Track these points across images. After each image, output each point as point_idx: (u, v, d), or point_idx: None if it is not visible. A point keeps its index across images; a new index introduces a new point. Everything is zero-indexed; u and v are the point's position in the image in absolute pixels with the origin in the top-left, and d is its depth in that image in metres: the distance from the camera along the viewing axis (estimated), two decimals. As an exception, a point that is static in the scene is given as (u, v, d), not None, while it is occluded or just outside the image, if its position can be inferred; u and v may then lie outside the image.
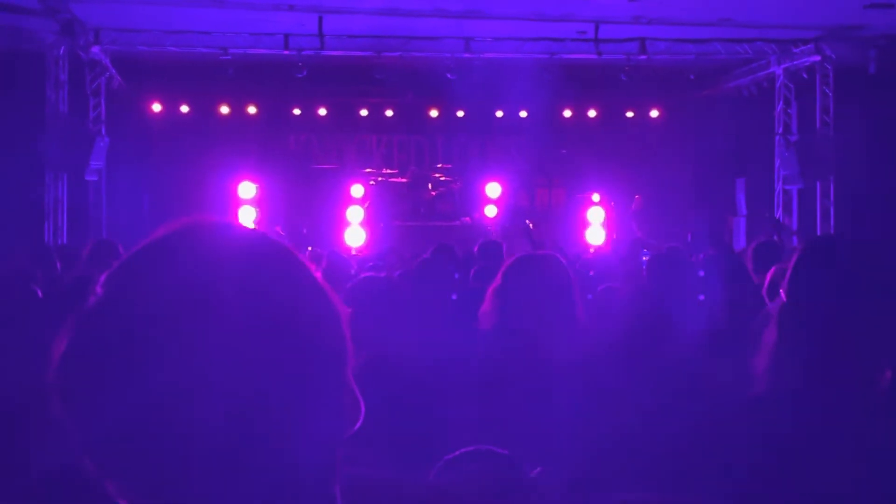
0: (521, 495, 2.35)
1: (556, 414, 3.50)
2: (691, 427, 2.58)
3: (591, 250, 19.88)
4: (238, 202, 21.97)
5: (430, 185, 23.33)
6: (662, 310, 4.63)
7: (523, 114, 24.91)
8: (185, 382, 1.33)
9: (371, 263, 11.22)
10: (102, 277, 1.44)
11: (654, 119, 25.21)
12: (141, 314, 1.36)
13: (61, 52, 18.71)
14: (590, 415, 3.49)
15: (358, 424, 1.48)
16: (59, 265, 9.55)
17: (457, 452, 2.26)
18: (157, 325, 1.35)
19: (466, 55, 19.48)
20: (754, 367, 2.55)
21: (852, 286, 2.50)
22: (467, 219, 22.43)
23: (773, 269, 5.47)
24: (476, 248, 8.70)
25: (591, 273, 9.81)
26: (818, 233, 19.51)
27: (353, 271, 8.87)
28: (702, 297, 5.80)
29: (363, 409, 1.49)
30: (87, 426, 1.35)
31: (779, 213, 20.85)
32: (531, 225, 21.57)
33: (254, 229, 1.54)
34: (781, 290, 2.58)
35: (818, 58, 19.47)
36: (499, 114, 24.90)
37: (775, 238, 16.10)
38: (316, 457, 1.41)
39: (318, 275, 1.51)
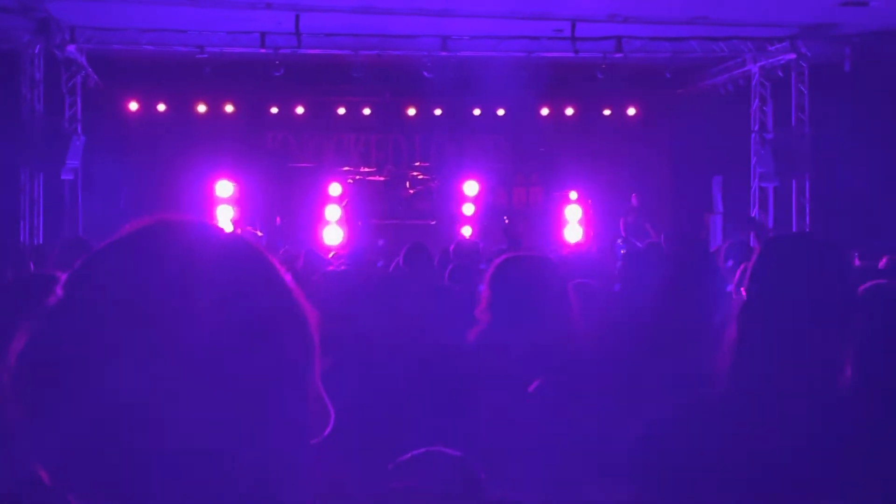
0: (473, 497, 2.34)
1: (536, 415, 3.50)
2: (654, 425, 2.58)
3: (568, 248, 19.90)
4: (215, 201, 21.91)
5: (407, 184, 23.31)
6: (632, 307, 4.65)
7: (501, 112, 24.92)
8: (146, 387, 1.29)
9: (344, 262, 11.19)
10: (63, 277, 1.39)
11: (631, 117, 25.23)
12: (100, 316, 1.32)
13: (37, 50, 18.62)
14: (566, 415, 3.49)
15: (328, 430, 1.45)
16: (31, 265, 9.50)
17: (408, 455, 2.25)
18: (117, 327, 1.31)
19: (443, 53, 19.47)
20: (715, 365, 2.56)
21: (811, 285, 2.52)
22: (433, 221, 22.37)
23: (742, 266, 5.50)
24: (451, 248, 8.66)
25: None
26: (794, 230, 19.59)
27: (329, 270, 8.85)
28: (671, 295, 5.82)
29: (332, 414, 1.45)
30: (42, 432, 1.32)
31: (755, 211, 20.93)
32: (506, 221, 21.63)
33: (222, 228, 1.51)
34: (742, 289, 2.59)
35: (793, 56, 19.55)
36: (476, 112, 24.89)
37: (752, 236, 16.18)
38: (282, 463, 1.38)
39: (288, 277, 1.48)
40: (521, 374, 3.67)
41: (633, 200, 22.03)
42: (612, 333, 4.53)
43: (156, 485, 1.30)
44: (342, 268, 7.54)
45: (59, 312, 1.36)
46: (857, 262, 9.56)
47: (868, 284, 3.23)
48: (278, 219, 21.44)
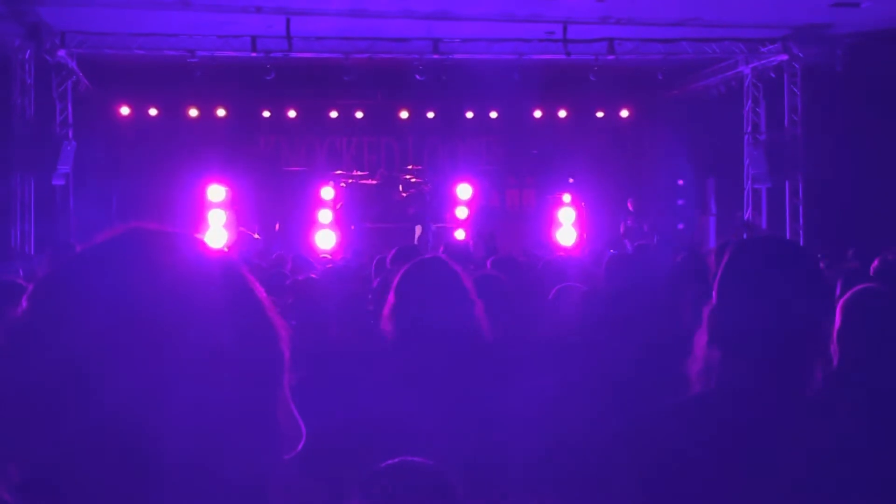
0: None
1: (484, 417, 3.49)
2: (624, 430, 2.56)
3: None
4: (207, 205, 21.86)
5: (400, 187, 23.29)
6: (617, 310, 4.63)
7: (493, 114, 24.95)
8: (110, 401, 1.26)
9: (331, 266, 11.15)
10: (30, 289, 1.37)
11: (624, 119, 25.26)
12: (64, 328, 1.29)
13: (27, 55, 18.58)
14: (523, 417, 3.48)
15: (299, 446, 1.42)
16: (21, 271, 9.48)
17: (382, 465, 2.22)
18: (80, 339, 1.28)
19: (435, 56, 19.47)
20: (688, 369, 2.55)
21: (779, 288, 2.50)
22: (418, 227, 22.34)
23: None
24: (441, 250, 8.55)
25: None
26: (787, 231, 19.60)
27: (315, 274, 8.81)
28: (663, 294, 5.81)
29: (304, 431, 1.42)
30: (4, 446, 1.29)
31: (748, 213, 20.93)
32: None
33: (196, 239, 1.46)
34: (713, 293, 2.57)
35: (786, 57, 19.58)
36: (469, 115, 24.90)
37: (745, 238, 16.17)
38: (251, 479, 1.35)
39: (261, 290, 1.45)
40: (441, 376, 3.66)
41: (630, 205, 22.03)
42: (593, 335, 4.51)
43: (122, 499, 1.27)
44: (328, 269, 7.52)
45: (22, 324, 1.33)
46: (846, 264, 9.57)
47: (855, 289, 3.21)
48: (277, 225, 21.39)
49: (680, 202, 24.62)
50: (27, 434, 1.27)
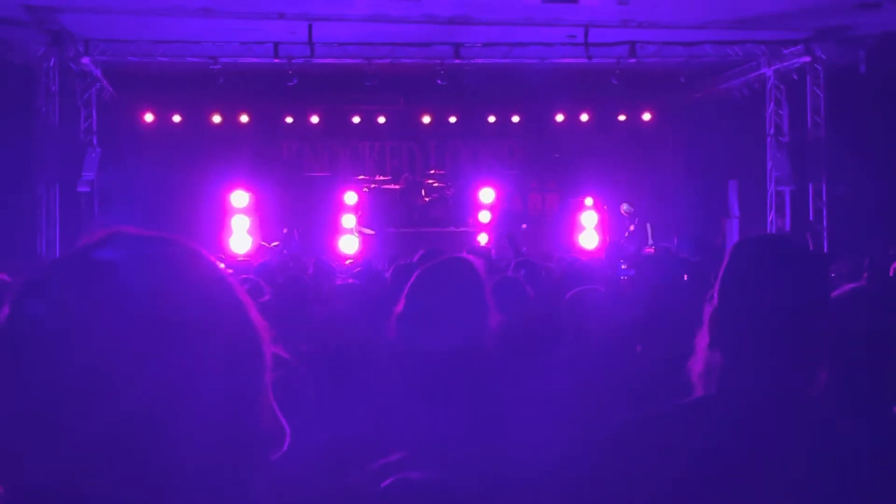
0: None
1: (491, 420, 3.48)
2: (625, 432, 2.56)
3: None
4: (231, 211, 21.96)
5: (423, 192, 23.31)
6: (637, 311, 4.63)
7: (515, 119, 24.96)
8: (90, 406, 1.27)
9: (357, 270, 11.17)
10: (10, 295, 1.37)
11: (646, 122, 25.19)
12: (41, 333, 1.30)
13: (51, 63, 18.71)
14: (529, 419, 3.47)
15: (284, 448, 1.43)
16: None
17: (390, 480, 2.21)
18: (61, 347, 1.28)
19: (457, 61, 19.48)
20: (689, 371, 2.54)
21: (782, 287, 2.49)
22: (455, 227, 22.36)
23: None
24: (417, 258, 8.51)
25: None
26: (808, 234, 19.49)
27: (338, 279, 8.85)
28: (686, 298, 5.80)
29: (288, 432, 1.43)
30: None
31: (771, 215, 20.84)
32: (524, 227, 21.56)
33: (176, 241, 1.45)
34: (714, 293, 2.56)
35: (808, 58, 19.48)
36: (491, 119, 24.92)
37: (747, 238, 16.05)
38: (235, 480, 1.36)
39: (241, 289, 1.45)
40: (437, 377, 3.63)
41: (623, 210, 21.97)
42: (612, 337, 4.51)
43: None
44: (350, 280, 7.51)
45: (2, 330, 1.33)
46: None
47: (845, 288, 3.19)
48: (285, 229, 21.42)
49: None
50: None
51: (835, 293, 3.03)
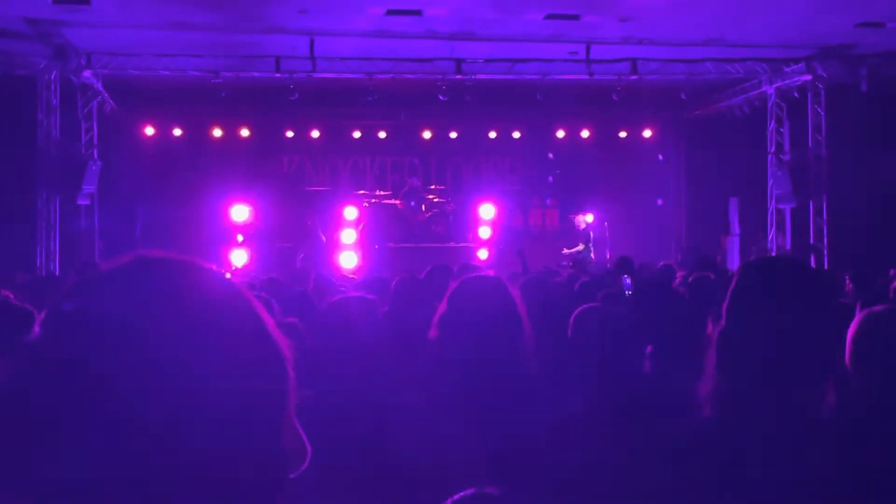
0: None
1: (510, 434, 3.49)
2: (639, 451, 2.54)
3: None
4: (231, 225, 21.94)
5: (423, 207, 23.31)
6: (633, 330, 4.62)
7: (516, 134, 25.00)
8: (119, 427, 1.28)
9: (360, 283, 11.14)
10: (41, 315, 1.38)
11: (647, 139, 25.24)
12: (75, 355, 1.31)
13: (53, 76, 18.72)
14: (542, 439, 3.47)
15: (304, 465, 1.44)
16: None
17: (457, 497, 2.18)
18: (92, 368, 1.30)
19: (458, 76, 19.51)
20: (698, 391, 2.53)
21: (790, 309, 2.48)
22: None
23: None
24: (456, 269, 8.53)
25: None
26: (810, 252, 19.50)
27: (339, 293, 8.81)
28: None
29: (309, 450, 1.45)
30: (19, 468, 1.29)
31: (772, 233, 20.84)
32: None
33: (202, 265, 1.48)
34: (722, 314, 2.55)
35: (809, 77, 19.52)
36: (492, 134, 24.97)
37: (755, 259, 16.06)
38: (254, 496, 1.37)
39: (265, 312, 1.47)
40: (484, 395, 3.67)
41: (578, 223, 21.87)
42: (616, 356, 4.49)
43: None
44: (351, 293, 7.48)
45: (34, 352, 1.34)
46: (848, 286, 9.49)
47: (865, 312, 3.18)
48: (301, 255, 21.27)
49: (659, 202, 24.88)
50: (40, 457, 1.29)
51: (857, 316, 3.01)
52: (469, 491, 2.30)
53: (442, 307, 3.90)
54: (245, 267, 20.70)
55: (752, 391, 2.44)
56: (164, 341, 1.33)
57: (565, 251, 21.36)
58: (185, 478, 1.31)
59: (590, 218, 21.68)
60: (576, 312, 4.72)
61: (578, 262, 19.98)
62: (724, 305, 2.56)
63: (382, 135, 24.78)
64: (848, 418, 2.53)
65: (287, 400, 1.44)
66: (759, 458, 2.39)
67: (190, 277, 1.44)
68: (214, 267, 1.50)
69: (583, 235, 21.42)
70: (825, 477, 2.35)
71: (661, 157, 24.75)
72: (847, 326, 2.92)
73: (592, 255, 21.20)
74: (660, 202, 24.46)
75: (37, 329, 1.37)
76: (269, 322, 1.47)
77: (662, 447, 2.53)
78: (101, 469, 1.28)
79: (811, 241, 19.78)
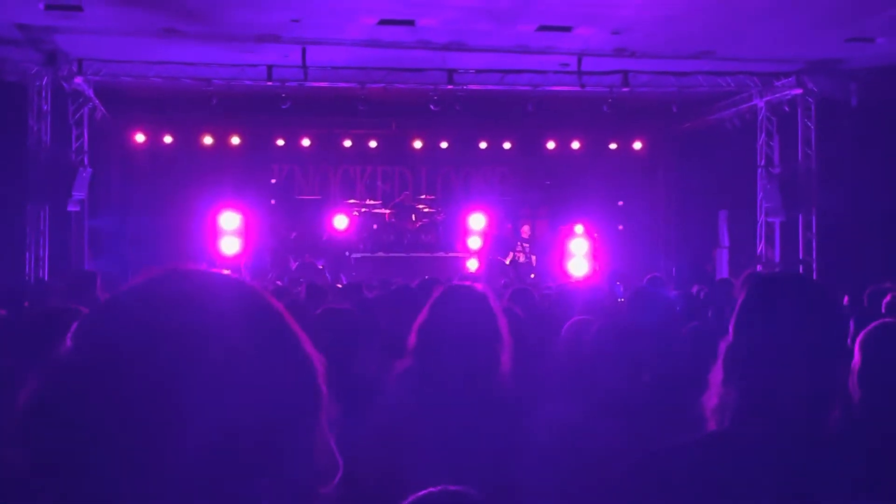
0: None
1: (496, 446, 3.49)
2: (643, 465, 2.54)
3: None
4: (220, 232, 21.90)
5: (413, 216, 23.31)
6: (633, 343, 4.62)
7: (507, 145, 25.04)
8: (150, 441, 1.29)
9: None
10: (73, 328, 1.39)
11: (637, 151, 25.29)
12: (109, 369, 1.32)
13: (44, 82, 18.67)
14: (534, 450, 3.48)
15: (336, 480, 1.45)
16: (26, 303, 9.50)
17: (422, 493, 2.19)
18: (126, 380, 1.31)
19: (450, 87, 19.53)
20: (703, 405, 2.54)
21: (798, 325, 2.49)
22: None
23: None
24: (416, 285, 8.50)
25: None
26: (800, 265, 19.55)
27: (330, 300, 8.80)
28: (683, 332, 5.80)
29: (341, 465, 1.45)
30: (53, 483, 1.29)
31: (761, 246, 20.89)
32: (519, 256, 21.56)
33: (231, 276, 1.49)
34: (729, 329, 2.56)
35: (800, 91, 19.58)
36: (482, 145, 24.99)
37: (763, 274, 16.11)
38: None
39: (296, 325, 1.47)
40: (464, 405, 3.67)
41: (524, 233, 21.94)
42: (607, 368, 4.50)
43: None
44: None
45: (66, 364, 1.35)
46: (845, 301, 9.52)
47: (874, 324, 3.19)
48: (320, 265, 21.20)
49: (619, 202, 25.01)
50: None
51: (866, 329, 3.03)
52: (435, 489, 2.32)
53: (422, 315, 3.91)
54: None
55: (759, 406, 2.45)
56: (202, 357, 1.34)
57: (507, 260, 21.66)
58: (216, 490, 1.32)
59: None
60: (568, 323, 4.73)
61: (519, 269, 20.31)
62: (732, 320, 2.57)
63: (373, 144, 24.78)
64: (854, 432, 2.54)
65: (319, 413, 1.44)
66: (765, 473, 2.39)
67: (225, 290, 1.45)
68: (241, 279, 1.51)
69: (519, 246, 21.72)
70: (832, 491, 2.36)
71: (620, 202, 24.91)
72: (845, 341, 2.93)
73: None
74: (620, 227, 24.54)
75: (68, 342, 1.38)
76: (303, 336, 1.47)
77: (665, 462, 2.53)
78: (136, 482, 1.29)
79: (800, 255, 19.82)
